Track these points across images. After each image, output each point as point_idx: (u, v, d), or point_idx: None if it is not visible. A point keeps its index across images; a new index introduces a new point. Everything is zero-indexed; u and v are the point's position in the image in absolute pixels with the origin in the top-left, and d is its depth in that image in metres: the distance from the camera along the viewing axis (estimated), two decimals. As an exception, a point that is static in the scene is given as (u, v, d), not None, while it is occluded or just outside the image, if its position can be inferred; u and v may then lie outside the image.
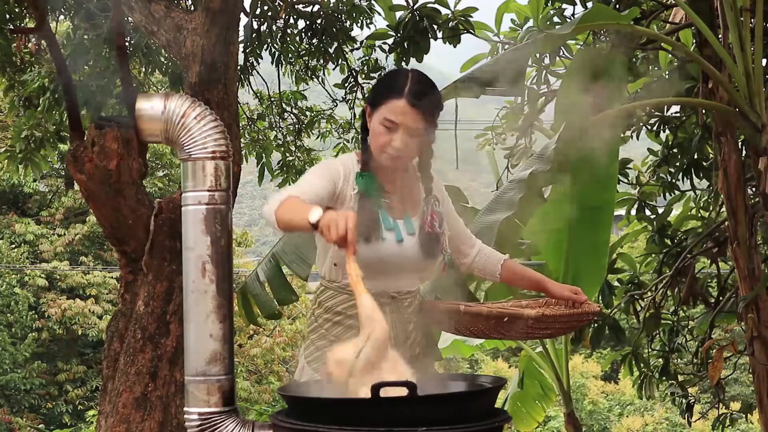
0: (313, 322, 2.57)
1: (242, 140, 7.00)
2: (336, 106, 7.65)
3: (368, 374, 1.94)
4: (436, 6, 5.55)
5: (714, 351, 5.19)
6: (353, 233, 2.01)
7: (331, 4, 6.43)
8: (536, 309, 2.57)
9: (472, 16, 5.60)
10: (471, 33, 5.65)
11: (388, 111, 2.36)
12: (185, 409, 2.35)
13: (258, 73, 7.01)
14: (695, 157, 5.82)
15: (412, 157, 2.46)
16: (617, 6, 5.09)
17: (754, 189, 5.02)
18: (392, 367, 2.00)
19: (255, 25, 6.36)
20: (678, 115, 6.01)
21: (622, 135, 5.49)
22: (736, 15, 4.11)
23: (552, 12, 5.59)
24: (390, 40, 5.87)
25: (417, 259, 2.48)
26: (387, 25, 5.85)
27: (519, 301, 2.80)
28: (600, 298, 5.86)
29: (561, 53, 5.62)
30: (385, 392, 1.82)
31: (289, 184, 7.83)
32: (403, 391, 1.83)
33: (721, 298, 5.93)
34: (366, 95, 7.05)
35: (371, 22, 6.50)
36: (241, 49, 5.89)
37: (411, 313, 2.53)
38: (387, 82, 2.48)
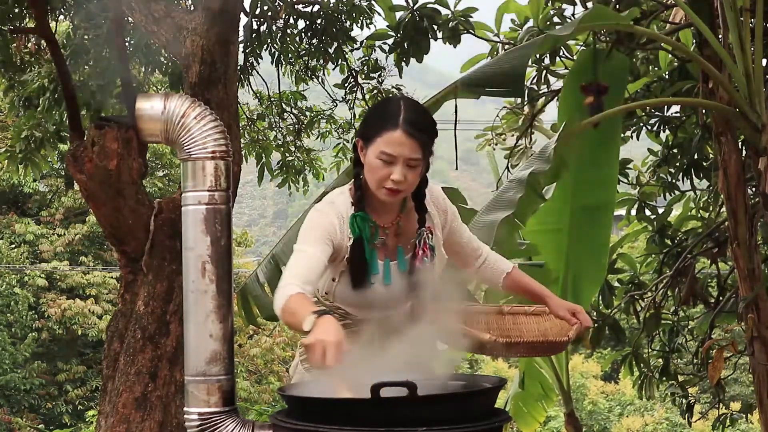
0: None
1: (242, 140, 7.00)
2: (336, 106, 7.64)
3: None
4: (436, 6, 5.55)
5: (714, 351, 5.19)
6: (333, 365, 1.99)
7: (331, 4, 6.42)
8: (509, 335, 2.59)
9: (472, 16, 5.59)
10: (471, 33, 5.65)
11: (384, 144, 2.27)
12: (185, 409, 2.35)
13: (258, 73, 7.01)
14: (695, 157, 5.82)
15: (412, 188, 2.37)
16: (617, 6, 5.09)
17: (754, 189, 5.01)
18: None
19: (255, 25, 6.36)
20: (678, 115, 6.01)
21: (622, 135, 5.49)
22: (736, 15, 4.11)
23: (552, 12, 5.58)
24: (390, 40, 5.87)
25: (406, 297, 2.46)
26: (387, 25, 5.85)
27: (521, 306, 2.79)
28: (600, 298, 5.86)
29: (561, 53, 5.62)
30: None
31: (289, 185, 7.85)
32: (403, 391, 1.83)
33: (721, 298, 5.93)
34: (365, 96, 7.04)
35: (371, 22, 6.50)
36: (241, 49, 5.88)
37: (401, 325, 2.53)
38: (378, 114, 2.38)
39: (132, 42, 5.92)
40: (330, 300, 2.47)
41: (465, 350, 2.64)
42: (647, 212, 6.17)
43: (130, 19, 4.57)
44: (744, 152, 4.84)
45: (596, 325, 5.79)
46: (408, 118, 2.28)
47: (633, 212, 6.33)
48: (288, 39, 6.72)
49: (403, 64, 5.85)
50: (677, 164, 6.04)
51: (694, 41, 5.42)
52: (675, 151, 6.04)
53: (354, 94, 7.11)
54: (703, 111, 5.00)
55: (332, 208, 2.39)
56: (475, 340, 2.47)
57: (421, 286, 2.43)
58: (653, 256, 6.39)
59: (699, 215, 6.27)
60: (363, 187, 2.37)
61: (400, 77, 6.32)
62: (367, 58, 6.99)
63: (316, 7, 6.42)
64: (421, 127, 2.30)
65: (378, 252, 2.41)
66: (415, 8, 5.56)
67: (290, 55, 6.91)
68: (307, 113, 7.86)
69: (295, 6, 6.42)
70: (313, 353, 1.96)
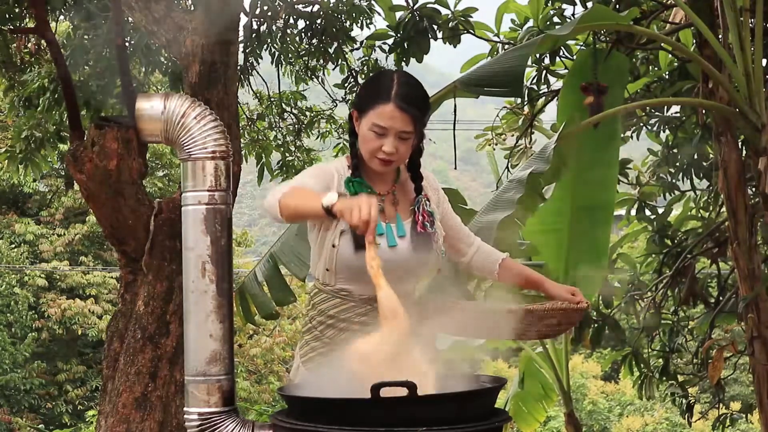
0: (307, 323, 2.55)
1: (242, 140, 6.99)
2: (336, 106, 7.64)
3: (388, 368, 1.95)
4: (436, 6, 5.55)
5: (714, 351, 5.19)
6: (375, 221, 2.04)
7: (331, 4, 6.42)
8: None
9: (472, 16, 5.60)
10: (471, 33, 5.65)
11: (377, 116, 2.32)
12: (185, 409, 2.35)
13: (258, 73, 7.00)
14: (695, 157, 5.82)
15: (403, 159, 2.44)
16: (617, 6, 5.09)
17: (754, 189, 5.02)
18: (413, 362, 2.01)
19: (255, 25, 6.36)
20: (678, 115, 6.02)
21: (622, 135, 5.49)
22: (736, 15, 4.12)
23: (552, 12, 5.58)
24: (390, 40, 5.87)
25: (410, 262, 2.45)
26: (387, 25, 5.85)
27: (536, 303, 2.77)
28: (600, 298, 5.86)
29: (561, 53, 5.62)
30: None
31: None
32: (403, 391, 1.83)
33: (721, 298, 5.93)
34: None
35: (371, 22, 6.49)
36: (241, 49, 5.88)
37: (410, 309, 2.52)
38: (372, 87, 2.44)
39: (132, 42, 5.92)
40: (331, 282, 2.45)
41: (480, 336, 2.63)
42: (647, 212, 6.17)
43: (130, 19, 4.57)
44: (744, 152, 4.84)
45: (596, 325, 5.79)
46: (401, 93, 2.33)
47: (633, 212, 6.34)
48: (288, 39, 6.71)
49: (403, 64, 5.84)
50: (677, 164, 6.04)
51: (694, 41, 5.43)
52: (675, 151, 6.05)
53: (354, 94, 7.11)
54: (703, 111, 5.01)
55: (331, 163, 2.51)
56: (501, 311, 2.47)
57: (427, 257, 2.46)
58: (653, 256, 6.39)
59: (699, 215, 6.28)
60: (358, 156, 2.43)
61: (400, 77, 6.30)
62: (367, 58, 6.99)
63: (316, 7, 6.42)
64: (413, 102, 2.34)
65: (380, 216, 2.41)
66: (415, 8, 5.56)
67: (290, 55, 6.91)
68: (307, 113, 7.86)
69: (295, 6, 6.41)
70: (357, 209, 2.04)
